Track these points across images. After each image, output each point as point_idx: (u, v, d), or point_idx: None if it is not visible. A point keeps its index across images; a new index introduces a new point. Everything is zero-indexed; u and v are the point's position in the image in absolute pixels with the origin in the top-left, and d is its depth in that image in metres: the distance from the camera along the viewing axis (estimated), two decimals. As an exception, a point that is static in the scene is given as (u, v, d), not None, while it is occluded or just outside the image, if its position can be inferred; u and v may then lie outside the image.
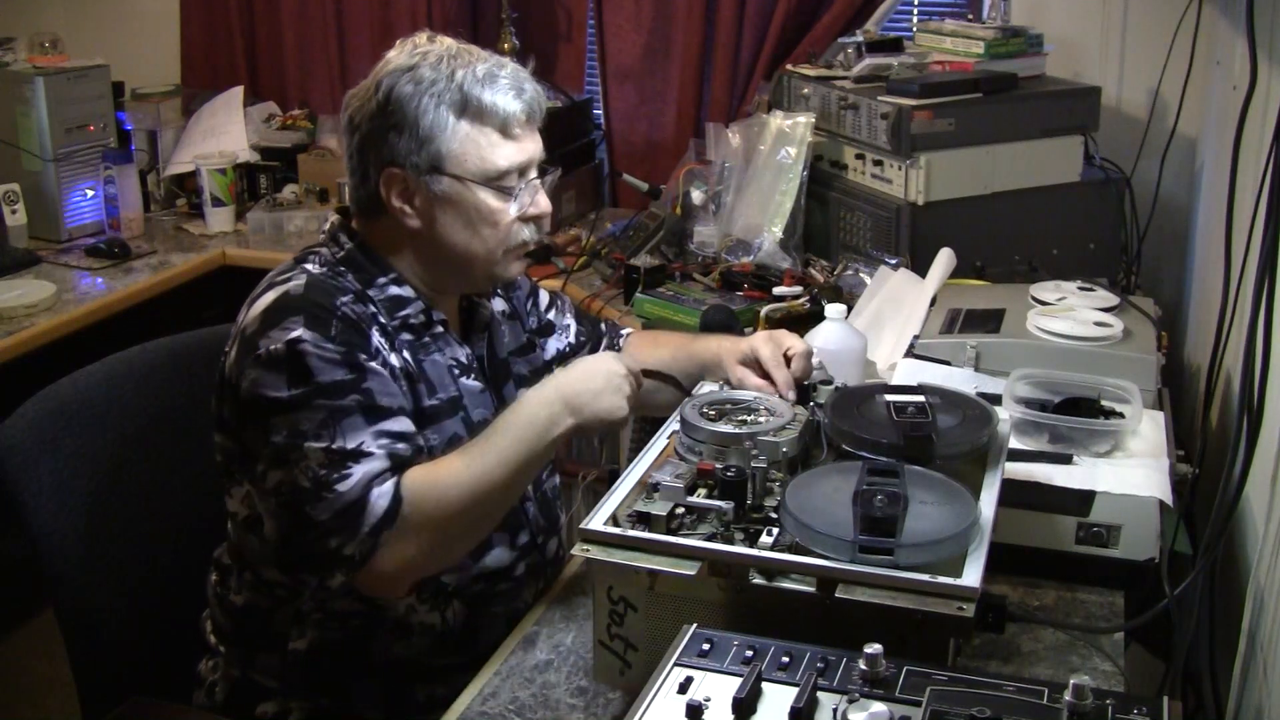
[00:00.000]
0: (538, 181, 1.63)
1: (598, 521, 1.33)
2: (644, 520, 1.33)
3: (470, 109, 1.54)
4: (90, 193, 3.12)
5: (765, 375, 1.63)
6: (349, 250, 1.59)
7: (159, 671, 1.75)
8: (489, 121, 1.56)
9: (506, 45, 3.27)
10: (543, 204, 1.64)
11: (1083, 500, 1.57)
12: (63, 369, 1.77)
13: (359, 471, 1.41)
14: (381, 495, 1.41)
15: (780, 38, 3.10)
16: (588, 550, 1.30)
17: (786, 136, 2.63)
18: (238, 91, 3.46)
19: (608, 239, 2.96)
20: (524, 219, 1.62)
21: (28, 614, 2.99)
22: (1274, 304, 1.41)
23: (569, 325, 1.91)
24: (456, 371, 1.64)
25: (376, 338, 1.53)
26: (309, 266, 1.56)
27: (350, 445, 1.42)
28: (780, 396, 1.59)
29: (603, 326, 1.96)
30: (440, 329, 1.63)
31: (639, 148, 3.36)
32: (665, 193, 2.92)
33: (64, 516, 1.67)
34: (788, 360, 1.63)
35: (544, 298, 1.90)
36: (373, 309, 1.55)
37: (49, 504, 1.66)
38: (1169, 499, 1.57)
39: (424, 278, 1.62)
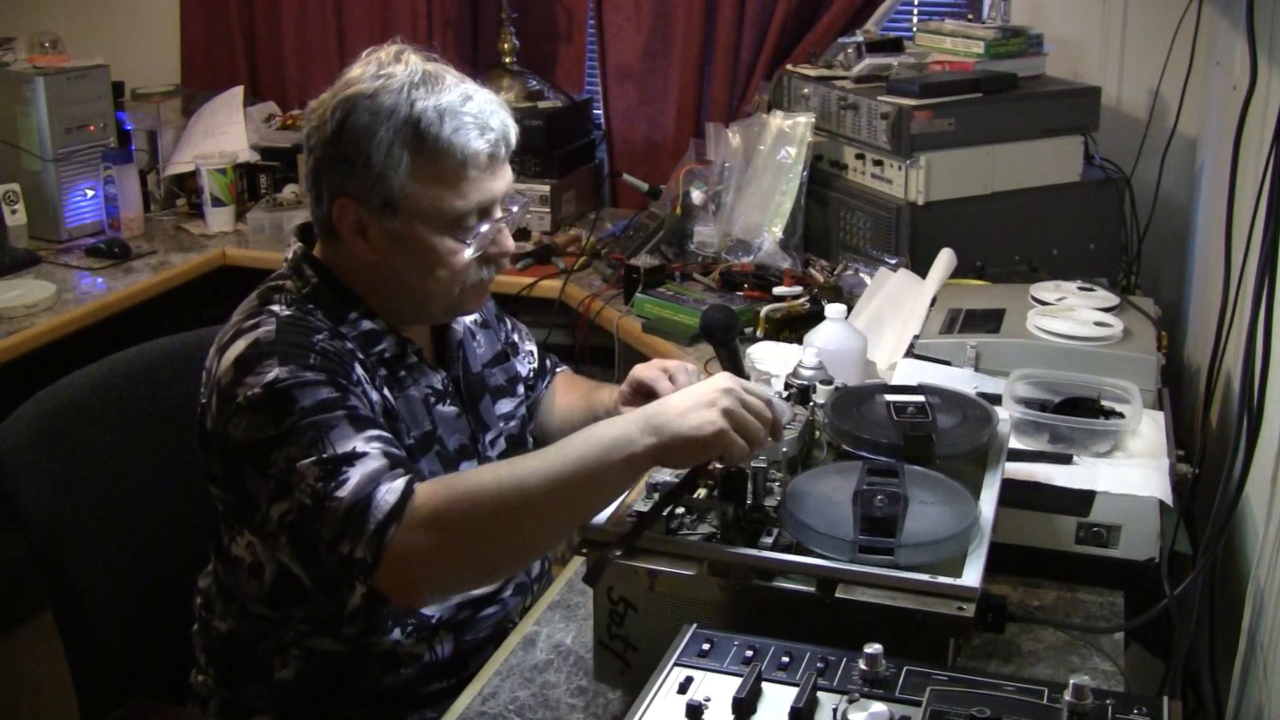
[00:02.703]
0: (501, 222, 1.54)
1: (597, 521, 1.33)
2: (644, 520, 1.33)
3: (427, 148, 1.44)
4: (90, 193, 3.11)
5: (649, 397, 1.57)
6: (314, 285, 1.52)
7: (158, 674, 1.74)
8: (447, 162, 1.45)
9: (506, 45, 3.27)
10: (504, 244, 1.55)
11: (1083, 500, 1.57)
12: (63, 369, 1.77)
13: (356, 473, 1.32)
14: (390, 491, 1.30)
15: (780, 38, 3.10)
16: (588, 551, 1.31)
17: (786, 136, 2.63)
18: (238, 91, 3.46)
19: (608, 239, 2.96)
20: (484, 259, 1.54)
21: (28, 614, 2.99)
22: (1274, 304, 1.41)
23: (532, 351, 1.88)
24: (433, 400, 1.59)
25: (359, 371, 1.47)
26: (276, 309, 1.47)
27: (342, 450, 1.34)
28: None
29: (548, 362, 1.93)
30: (415, 359, 1.58)
31: (639, 148, 3.36)
32: (665, 193, 2.92)
33: (63, 517, 1.67)
34: (672, 379, 1.60)
35: (507, 321, 1.87)
36: (350, 345, 1.49)
37: (48, 505, 1.66)
38: (1169, 499, 1.57)
39: (386, 308, 1.55)
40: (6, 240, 2.96)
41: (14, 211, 2.99)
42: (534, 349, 1.89)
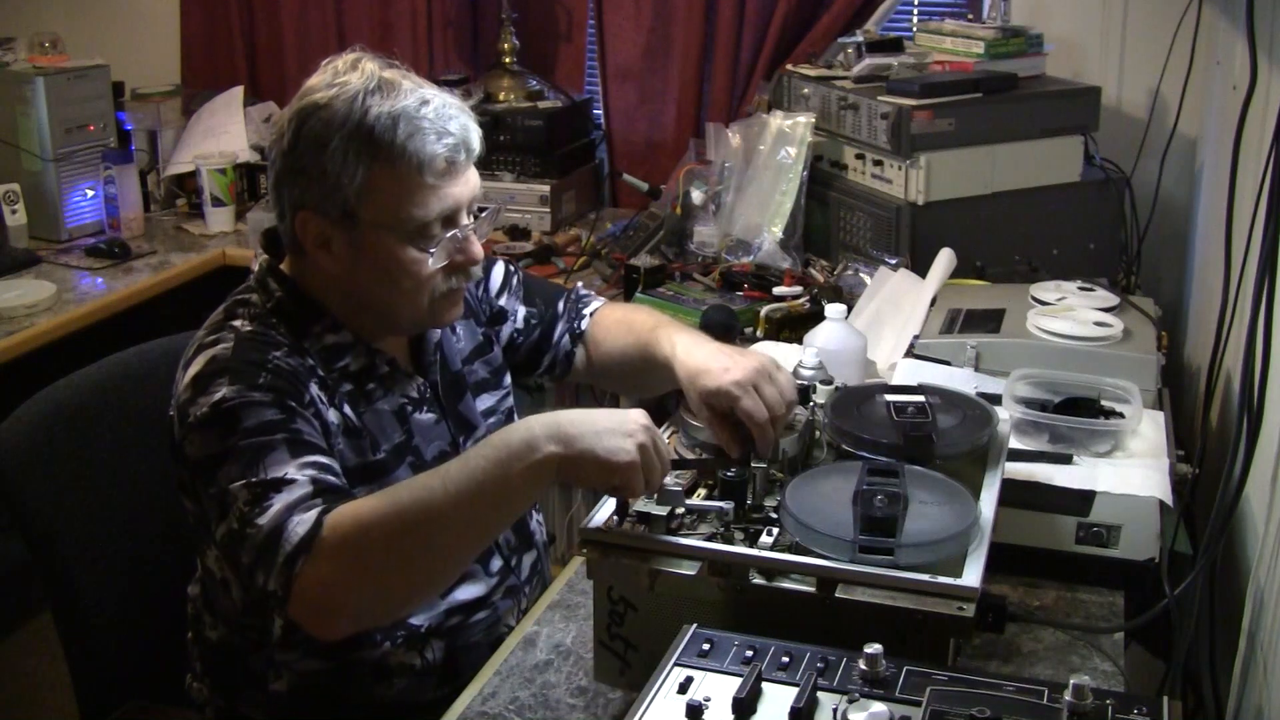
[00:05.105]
0: (469, 228, 1.49)
1: (598, 522, 1.33)
2: (644, 520, 1.33)
3: (381, 157, 1.40)
4: (90, 193, 3.11)
5: (733, 422, 1.45)
6: (278, 299, 1.49)
7: (157, 674, 1.74)
8: (403, 169, 1.41)
9: (506, 45, 3.27)
10: (472, 252, 1.50)
11: (1083, 500, 1.57)
12: (63, 369, 1.77)
13: (278, 501, 1.29)
14: (301, 523, 1.27)
15: (780, 38, 3.10)
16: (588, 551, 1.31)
17: (786, 136, 2.63)
18: (238, 91, 3.46)
19: (608, 239, 2.96)
20: (451, 269, 1.50)
21: (28, 614, 2.99)
22: (1274, 304, 1.41)
23: (518, 310, 1.80)
24: (409, 408, 1.56)
25: (314, 390, 1.44)
26: (237, 324, 1.46)
27: (271, 475, 1.31)
28: (755, 456, 1.43)
29: (560, 305, 1.82)
30: (386, 369, 1.55)
31: (639, 148, 3.36)
32: (665, 193, 2.92)
33: (62, 519, 1.67)
34: (755, 424, 1.44)
35: (495, 280, 1.78)
36: (310, 361, 1.46)
37: (47, 506, 1.66)
38: (1169, 499, 1.57)
39: (355, 321, 1.52)
40: (6, 240, 2.96)
41: (14, 211, 2.99)
42: (521, 308, 1.79)
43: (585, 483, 1.34)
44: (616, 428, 1.30)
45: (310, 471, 1.33)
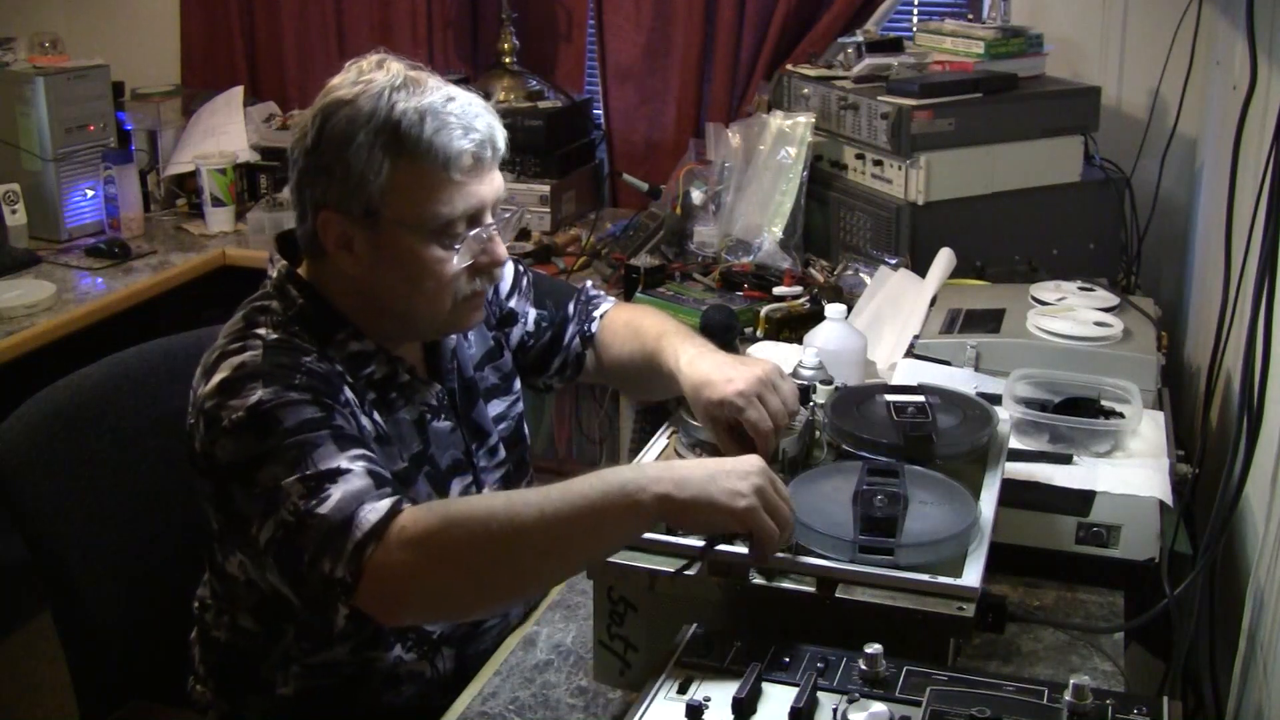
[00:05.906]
0: (493, 228, 1.48)
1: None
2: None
3: (407, 151, 1.39)
4: (90, 193, 3.11)
5: (741, 433, 1.46)
6: (300, 306, 1.47)
7: (157, 675, 1.74)
8: (429, 166, 1.40)
9: (506, 45, 3.27)
10: (496, 253, 1.48)
11: (1083, 500, 1.57)
12: (62, 369, 1.77)
13: (337, 490, 1.28)
14: (374, 510, 1.26)
15: (780, 38, 3.10)
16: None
17: (786, 136, 2.63)
18: (238, 91, 3.46)
19: (608, 239, 2.96)
20: (475, 270, 1.48)
21: (27, 615, 2.99)
22: (1274, 304, 1.41)
23: (529, 313, 1.78)
24: (428, 416, 1.56)
25: (348, 393, 1.43)
26: (261, 332, 1.43)
27: (325, 467, 1.30)
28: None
29: (571, 307, 1.81)
30: (406, 377, 1.54)
31: (639, 148, 3.36)
32: (665, 193, 2.92)
33: (61, 519, 1.67)
34: (759, 433, 1.45)
35: (505, 281, 1.76)
36: (339, 368, 1.45)
37: (46, 506, 1.65)
38: (1169, 499, 1.57)
39: (375, 327, 1.50)
40: (6, 240, 2.96)
41: (14, 211, 2.99)
42: (532, 311, 1.79)
43: (705, 528, 1.27)
44: (731, 470, 1.24)
45: (362, 463, 1.33)
